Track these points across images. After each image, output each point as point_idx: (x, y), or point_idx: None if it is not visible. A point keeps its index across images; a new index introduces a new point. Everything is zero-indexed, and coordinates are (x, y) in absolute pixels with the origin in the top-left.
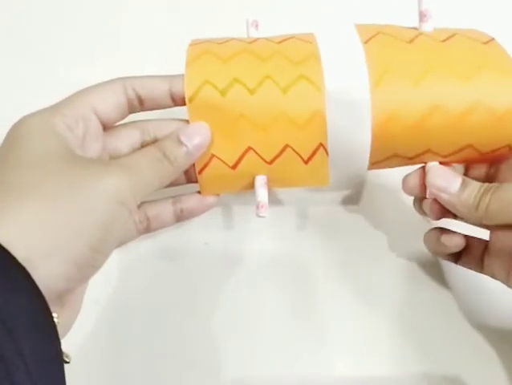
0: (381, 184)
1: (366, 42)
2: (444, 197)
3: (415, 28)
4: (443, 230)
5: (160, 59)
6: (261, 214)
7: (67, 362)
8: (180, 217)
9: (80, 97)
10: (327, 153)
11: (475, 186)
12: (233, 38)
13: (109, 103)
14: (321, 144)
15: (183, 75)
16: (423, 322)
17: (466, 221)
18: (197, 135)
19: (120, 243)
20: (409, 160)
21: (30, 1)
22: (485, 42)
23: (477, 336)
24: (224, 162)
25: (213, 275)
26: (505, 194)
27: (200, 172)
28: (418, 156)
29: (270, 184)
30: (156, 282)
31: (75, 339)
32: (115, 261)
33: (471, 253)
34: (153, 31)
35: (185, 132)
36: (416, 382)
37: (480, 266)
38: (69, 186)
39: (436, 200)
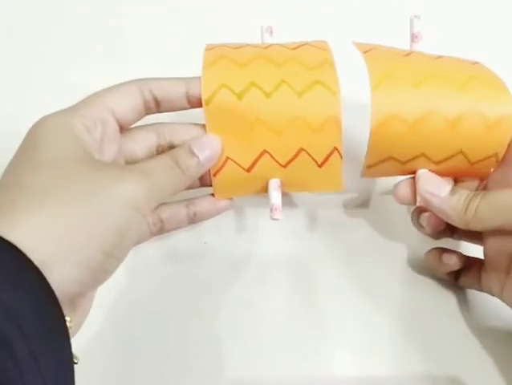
0: (389, 188)
1: (365, 53)
2: (434, 202)
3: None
4: (443, 250)
5: (161, 59)
6: (274, 217)
7: (75, 363)
8: (194, 220)
9: (98, 98)
10: (341, 157)
11: (464, 192)
12: (248, 44)
13: (126, 105)
14: (335, 148)
15: (200, 78)
16: (424, 323)
17: (457, 226)
18: (208, 148)
19: (133, 246)
20: (403, 164)
21: (30, 1)
22: (473, 64)
23: (477, 336)
24: (239, 165)
25: (219, 276)
26: (493, 197)
27: (214, 175)
28: (412, 159)
29: (284, 188)
30: (163, 283)
31: (81, 340)
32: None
33: (469, 272)
34: (154, 31)
35: (198, 144)
36: (417, 382)
37: (478, 283)
38: (85, 190)
39: (434, 214)
